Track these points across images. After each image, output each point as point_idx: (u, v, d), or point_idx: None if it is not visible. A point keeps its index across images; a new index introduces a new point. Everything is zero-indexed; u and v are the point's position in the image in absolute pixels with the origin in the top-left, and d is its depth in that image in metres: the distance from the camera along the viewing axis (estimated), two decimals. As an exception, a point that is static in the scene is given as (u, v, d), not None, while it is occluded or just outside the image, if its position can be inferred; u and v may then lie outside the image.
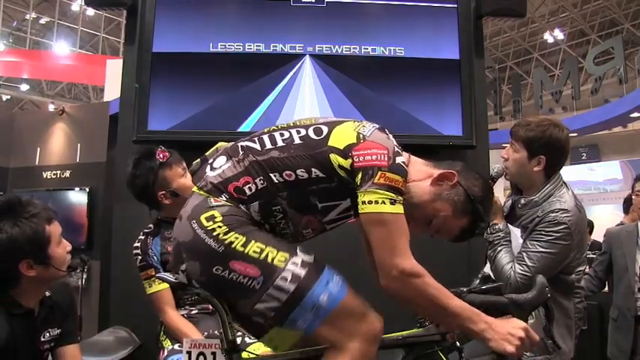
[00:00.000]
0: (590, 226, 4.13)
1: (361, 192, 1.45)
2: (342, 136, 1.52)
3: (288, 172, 1.50)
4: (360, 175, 1.46)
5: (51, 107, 4.98)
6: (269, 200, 1.50)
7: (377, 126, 1.56)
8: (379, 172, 1.44)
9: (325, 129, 1.55)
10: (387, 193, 1.43)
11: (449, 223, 1.59)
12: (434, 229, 1.60)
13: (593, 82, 13.67)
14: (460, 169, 1.61)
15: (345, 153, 1.49)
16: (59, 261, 1.77)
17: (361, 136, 1.50)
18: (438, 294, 1.45)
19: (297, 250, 1.46)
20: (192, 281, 1.50)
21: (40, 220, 1.73)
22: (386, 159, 1.46)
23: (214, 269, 1.43)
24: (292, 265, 1.42)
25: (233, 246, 1.42)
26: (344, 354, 1.41)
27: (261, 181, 1.49)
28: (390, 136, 1.55)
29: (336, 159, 1.49)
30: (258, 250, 1.42)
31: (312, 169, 1.50)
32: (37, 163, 4.89)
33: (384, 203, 1.43)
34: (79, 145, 4.73)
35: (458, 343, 1.61)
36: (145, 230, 2.34)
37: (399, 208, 1.45)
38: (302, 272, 1.41)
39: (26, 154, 4.90)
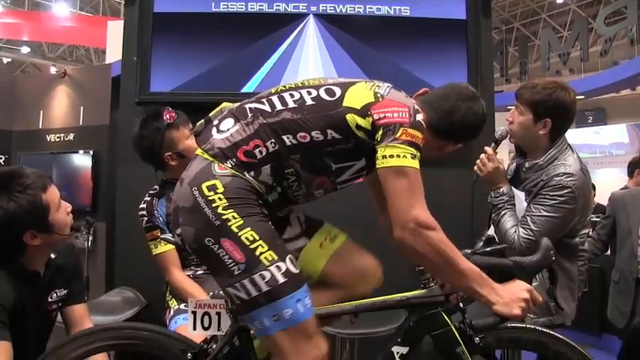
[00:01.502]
0: (593, 188, 4.12)
1: (382, 146, 1.45)
2: (357, 97, 1.51)
3: (302, 133, 1.48)
4: (380, 132, 1.46)
5: (52, 70, 4.93)
6: (281, 163, 1.49)
7: (391, 85, 1.56)
8: (401, 129, 1.45)
9: (338, 90, 1.53)
10: (409, 148, 1.44)
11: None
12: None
13: (602, 43, 13.41)
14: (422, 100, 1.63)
15: (363, 112, 1.48)
16: (61, 225, 1.76)
17: (379, 95, 1.50)
18: (448, 251, 1.46)
19: (287, 258, 1.44)
20: (186, 246, 1.51)
21: (36, 190, 1.69)
22: (407, 116, 1.47)
23: (206, 240, 1.43)
24: (275, 268, 1.41)
25: (229, 224, 1.42)
26: None
27: (273, 144, 1.48)
28: (407, 95, 1.55)
29: (353, 119, 1.48)
30: (251, 238, 1.42)
31: (328, 130, 1.49)
32: (40, 126, 4.89)
33: (406, 157, 1.44)
34: (81, 107, 4.72)
35: (461, 305, 1.62)
36: (151, 191, 2.35)
37: (417, 164, 1.46)
38: (281, 279, 1.41)
39: (29, 117, 4.88)
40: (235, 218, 1.42)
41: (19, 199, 1.65)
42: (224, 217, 1.42)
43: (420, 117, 1.50)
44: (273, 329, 1.41)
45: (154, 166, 2.36)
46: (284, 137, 1.48)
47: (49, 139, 4.83)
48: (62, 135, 4.83)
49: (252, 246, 1.41)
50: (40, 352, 1.63)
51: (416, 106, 1.53)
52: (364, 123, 1.48)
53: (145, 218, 2.27)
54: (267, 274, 1.39)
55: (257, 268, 1.40)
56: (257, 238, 1.42)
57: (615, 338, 4.00)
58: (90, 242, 3.74)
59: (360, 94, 1.51)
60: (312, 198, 1.59)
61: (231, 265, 1.41)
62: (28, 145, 4.83)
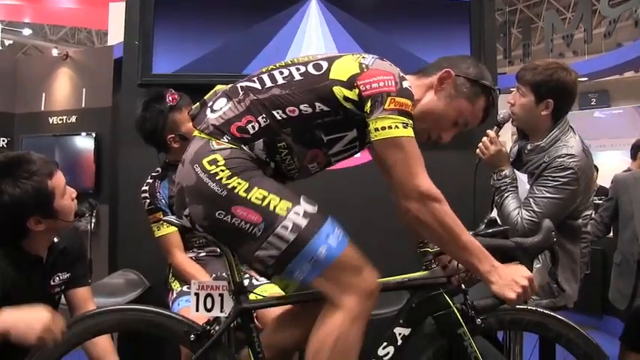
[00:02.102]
0: (596, 170, 4.11)
1: (372, 119, 1.44)
2: (343, 69, 1.51)
3: (291, 108, 1.49)
4: (369, 104, 1.45)
5: (54, 52, 4.88)
6: (273, 137, 1.49)
7: (377, 56, 1.55)
8: (389, 98, 1.43)
9: (325, 63, 1.53)
10: (399, 117, 1.43)
11: (472, 112, 1.62)
12: (461, 125, 1.63)
13: (606, 25, 13.27)
14: (448, 64, 1.62)
15: (349, 84, 1.48)
16: (66, 211, 1.76)
17: (363, 65, 1.50)
18: (453, 223, 1.46)
19: (301, 200, 1.45)
20: (196, 225, 1.51)
21: (42, 177, 1.68)
22: (393, 84, 1.46)
23: (217, 213, 1.43)
24: (294, 214, 1.41)
25: (236, 191, 1.42)
26: (340, 310, 1.43)
27: (264, 119, 1.48)
28: (392, 64, 1.54)
29: (340, 91, 1.48)
30: (261, 197, 1.42)
31: (316, 103, 1.49)
32: (42, 108, 4.88)
33: (397, 127, 1.43)
34: (83, 90, 4.71)
35: (463, 286, 1.63)
36: (153, 174, 2.35)
37: (411, 132, 1.45)
38: (303, 223, 1.41)
39: (31, 99, 4.88)
40: (240, 183, 1.42)
41: (24, 184, 1.65)
42: (229, 186, 1.42)
43: (406, 84, 1.49)
44: (315, 273, 1.41)
45: (157, 148, 2.36)
46: (274, 112, 1.49)
47: (51, 122, 4.83)
48: (64, 117, 4.83)
49: (264, 203, 1.41)
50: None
51: (401, 74, 1.51)
52: (351, 95, 1.48)
53: (148, 200, 2.27)
54: (289, 223, 1.40)
55: (277, 222, 1.40)
56: (266, 194, 1.42)
57: (616, 320, 4.02)
58: (93, 225, 3.75)
59: (345, 65, 1.51)
60: (307, 172, 1.59)
61: (251, 229, 1.41)
62: (31, 127, 4.83)
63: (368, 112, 1.45)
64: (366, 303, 1.45)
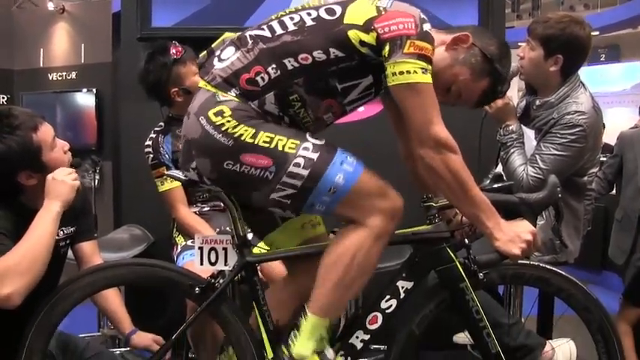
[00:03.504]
0: (603, 127, 4.07)
1: (391, 63, 1.40)
2: (359, 12, 1.45)
3: (303, 55, 1.45)
4: (387, 47, 1.40)
5: (50, 6, 4.75)
6: (284, 90, 1.46)
7: None
8: (408, 41, 1.39)
9: (338, 8, 1.48)
10: (419, 62, 1.39)
11: (469, 87, 1.56)
12: (454, 96, 1.57)
13: (620, -25, 12.92)
14: (473, 31, 1.56)
15: (366, 27, 1.43)
16: (57, 164, 1.71)
17: (381, 8, 1.45)
18: (466, 176, 1.45)
19: (307, 136, 1.44)
20: (204, 178, 1.50)
21: (26, 130, 1.63)
22: (414, 27, 1.41)
23: (225, 164, 1.42)
24: (303, 150, 1.40)
25: (242, 138, 1.40)
26: (363, 228, 1.43)
27: (274, 70, 1.45)
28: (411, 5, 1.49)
29: (356, 35, 1.44)
30: (268, 139, 1.40)
31: (330, 49, 1.44)
32: (41, 64, 4.83)
33: (417, 73, 1.39)
34: (82, 45, 4.65)
35: (466, 241, 1.63)
36: (156, 128, 2.33)
37: (430, 78, 1.42)
38: (314, 156, 1.40)
39: (29, 55, 4.82)
40: (247, 131, 1.41)
41: (7, 140, 1.60)
42: (236, 134, 1.41)
43: (427, 27, 1.44)
44: (336, 202, 1.41)
45: (160, 101, 2.33)
46: (285, 61, 1.44)
47: (50, 78, 4.78)
48: (64, 73, 4.78)
49: (272, 145, 1.40)
50: (52, 288, 1.66)
51: (422, 15, 1.46)
52: (368, 38, 1.43)
53: (151, 155, 2.26)
54: (300, 160, 1.39)
55: (288, 161, 1.39)
56: (273, 135, 1.41)
57: (615, 276, 4.07)
58: (96, 181, 3.76)
59: (361, 9, 1.46)
60: (322, 124, 1.56)
61: (262, 174, 1.40)
62: (30, 84, 4.79)
63: (386, 55, 1.41)
64: (390, 222, 1.45)
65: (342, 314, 1.59)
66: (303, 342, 1.49)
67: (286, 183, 1.40)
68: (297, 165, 1.39)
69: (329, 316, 1.50)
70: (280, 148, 1.40)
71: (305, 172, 1.39)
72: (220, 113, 1.42)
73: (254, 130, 1.41)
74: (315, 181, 1.39)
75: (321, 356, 1.50)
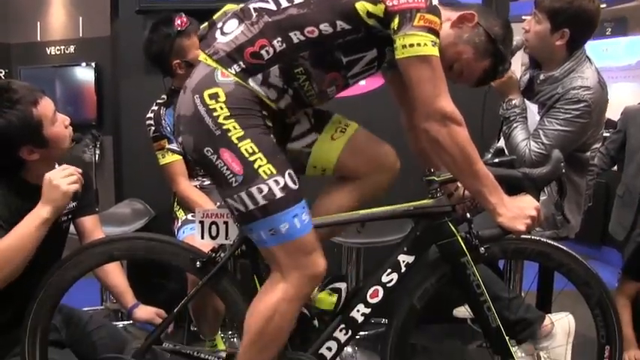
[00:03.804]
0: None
1: (400, 36, 1.38)
2: None
3: (310, 28, 1.42)
4: (397, 20, 1.39)
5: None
6: (289, 63, 1.44)
7: None
8: (418, 14, 1.37)
9: None
10: (428, 35, 1.38)
11: (470, 66, 1.55)
12: (455, 74, 1.56)
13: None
14: (478, 10, 1.55)
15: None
16: (58, 139, 1.71)
17: None
18: (471, 150, 1.45)
19: (286, 173, 1.42)
20: (187, 155, 1.50)
21: (26, 105, 1.61)
22: (423, 0, 1.39)
23: (205, 150, 1.42)
24: (273, 182, 1.39)
25: (229, 134, 1.39)
26: (283, 284, 1.45)
27: (280, 43, 1.43)
28: None
29: (363, 7, 1.41)
30: (250, 151, 1.40)
31: (337, 21, 1.42)
32: (38, 38, 4.77)
33: (427, 45, 1.38)
34: (80, 18, 4.58)
35: (468, 215, 1.63)
36: (159, 101, 2.32)
37: (438, 52, 1.41)
38: (278, 194, 1.39)
39: (26, 29, 4.76)
40: (236, 129, 1.40)
41: (7, 114, 1.59)
42: (224, 127, 1.40)
43: (435, 0, 1.43)
44: (270, 242, 1.42)
45: (162, 72, 2.31)
46: (291, 34, 1.42)
47: (49, 52, 4.73)
48: (62, 47, 4.72)
49: (251, 158, 1.39)
50: (55, 262, 1.67)
51: None
52: (376, 10, 1.41)
53: (152, 128, 2.25)
54: (265, 188, 1.39)
55: (255, 181, 1.39)
56: (256, 150, 1.40)
57: (614, 251, 4.08)
58: (97, 156, 3.74)
59: None
60: (325, 97, 1.55)
61: (230, 176, 1.40)
62: (28, 58, 4.74)
63: (395, 28, 1.39)
64: (308, 285, 1.47)
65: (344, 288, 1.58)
66: None
67: (242, 199, 1.40)
68: (260, 191, 1.39)
69: None
70: (256, 166, 1.39)
71: (261, 202, 1.39)
72: (215, 96, 1.40)
73: (242, 133, 1.40)
74: (263, 214, 1.40)
75: None
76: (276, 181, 1.39)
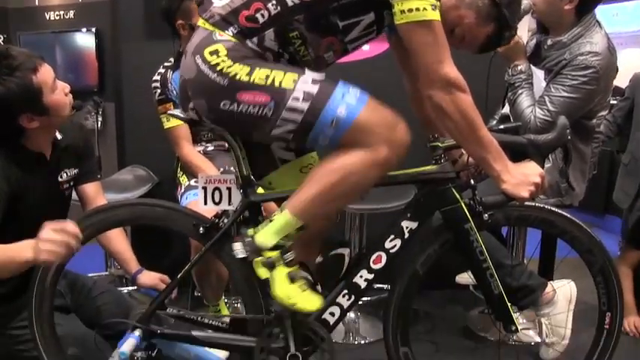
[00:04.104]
0: (616, 70, 3.96)
1: (398, 1, 1.35)
2: None
3: None
4: None
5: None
6: (284, 26, 1.41)
7: None
8: None
9: None
10: None
11: (473, 31, 1.51)
12: (457, 39, 1.52)
13: None
14: None
15: None
16: (58, 107, 1.69)
17: None
18: (475, 116, 1.42)
19: (305, 70, 1.40)
20: (203, 118, 1.48)
21: (25, 72, 1.59)
22: None
23: (222, 104, 1.39)
24: (302, 83, 1.37)
25: (238, 77, 1.37)
26: (367, 150, 1.38)
27: (274, 6, 1.40)
28: None
29: None
30: (264, 76, 1.37)
31: None
32: (37, 3, 4.69)
33: (426, 10, 1.34)
34: (79, -19, 4.51)
35: (472, 182, 1.62)
36: (166, 64, 2.30)
37: (439, 15, 1.37)
38: (314, 89, 1.36)
39: (24, -7, 4.68)
40: (242, 68, 1.37)
41: (7, 82, 1.57)
42: (231, 73, 1.37)
43: None
44: (340, 133, 1.37)
45: (170, 28, 2.30)
46: None
47: (48, 17, 4.66)
48: (62, 12, 4.65)
49: (269, 82, 1.37)
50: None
51: None
52: None
53: (158, 90, 2.24)
54: (299, 94, 1.36)
55: (287, 96, 1.36)
56: (269, 72, 1.37)
57: (617, 219, 4.08)
58: (99, 123, 3.73)
59: None
60: (322, 63, 1.52)
61: (260, 111, 1.37)
62: (27, 23, 4.67)
63: None
64: (394, 154, 1.40)
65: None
66: (268, 234, 1.46)
67: (286, 118, 1.37)
68: (296, 99, 1.36)
69: (303, 219, 1.45)
70: (277, 84, 1.36)
71: (305, 106, 1.36)
72: (215, 52, 1.38)
73: (249, 69, 1.37)
74: (315, 115, 1.36)
75: (280, 254, 1.47)
76: (304, 82, 1.37)
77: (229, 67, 1.37)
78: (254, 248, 1.47)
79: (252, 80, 1.36)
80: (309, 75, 1.38)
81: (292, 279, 1.47)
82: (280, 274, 1.47)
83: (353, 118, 1.37)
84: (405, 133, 1.42)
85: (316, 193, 1.42)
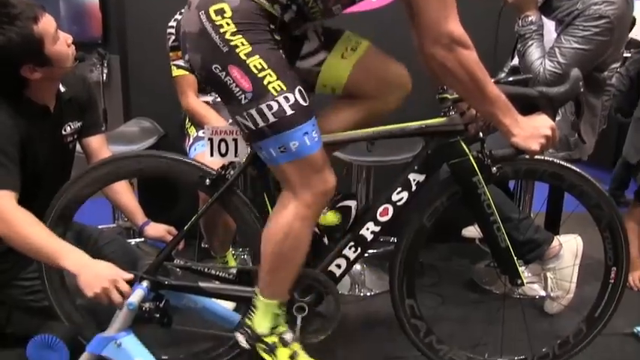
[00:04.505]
0: (633, 22, 3.84)
1: None
2: None
3: None
4: None
5: None
6: None
7: None
8: None
9: None
10: None
11: None
12: None
13: None
14: None
15: None
16: (60, 58, 1.67)
17: None
18: (480, 73, 1.39)
19: (296, 89, 1.38)
20: (195, 73, 1.47)
21: (25, 21, 1.56)
22: None
23: (213, 67, 1.38)
24: (283, 99, 1.35)
25: (237, 50, 1.35)
26: (294, 203, 1.44)
27: None
28: None
29: None
30: (260, 67, 1.35)
31: None
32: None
33: None
34: None
35: (481, 134, 1.60)
36: (182, 10, 2.26)
37: None
38: (288, 111, 1.36)
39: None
40: (244, 45, 1.35)
41: (7, 31, 1.54)
42: (232, 43, 1.35)
43: None
44: (280, 160, 1.41)
45: None
46: None
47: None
48: (63, -41, 4.56)
49: (260, 75, 1.35)
50: (63, 182, 1.67)
51: None
52: None
53: (173, 37, 2.21)
54: (275, 105, 1.36)
55: (264, 98, 1.36)
56: (265, 66, 1.36)
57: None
58: (104, 75, 3.70)
59: None
60: (329, 14, 1.49)
61: (239, 93, 1.37)
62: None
63: None
64: (319, 202, 1.46)
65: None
66: (260, 321, 1.56)
67: (252, 116, 1.37)
68: (270, 108, 1.35)
69: (275, 297, 1.54)
70: (265, 82, 1.35)
71: (271, 119, 1.36)
72: (221, 12, 1.35)
73: (250, 49, 1.35)
74: (274, 132, 1.37)
75: (280, 336, 1.56)
76: (286, 98, 1.36)
77: (233, 34, 1.34)
78: (255, 336, 1.57)
79: (247, 62, 1.35)
80: (295, 95, 1.37)
81: (293, 358, 1.56)
82: (282, 356, 1.56)
83: (298, 156, 1.39)
84: (332, 182, 1.45)
85: (270, 269, 1.51)
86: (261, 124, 1.37)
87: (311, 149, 1.40)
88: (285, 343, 1.56)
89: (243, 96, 1.37)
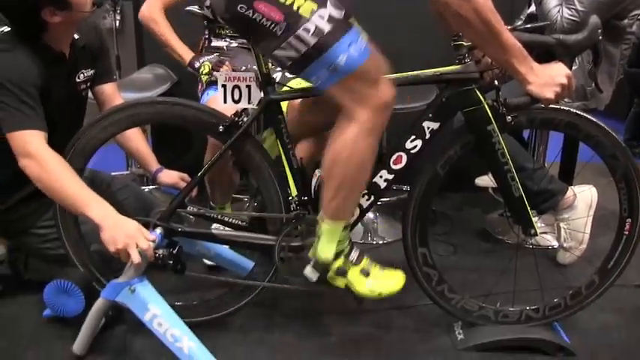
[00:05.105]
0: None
1: None
2: None
3: None
4: None
5: None
6: None
7: None
8: None
9: None
10: None
11: None
12: None
13: None
14: None
15: None
16: (80, 2, 1.66)
17: None
18: (494, 21, 1.36)
19: (328, 3, 1.34)
20: (217, 17, 1.44)
21: None
22: None
23: (239, 7, 1.35)
24: (318, 17, 1.32)
25: None
26: (354, 123, 1.40)
27: None
28: None
29: None
30: None
31: None
32: None
33: None
34: None
35: (496, 82, 1.57)
36: None
37: None
38: (326, 28, 1.32)
39: None
40: None
41: None
42: None
43: None
44: (332, 80, 1.37)
45: None
46: None
47: None
48: None
49: (288, 2, 1.32)
50: (76, 129, 1.68)
51: None
52: None
53: None
54: (311, 26, 1.33)
55: (299, 23, 1.33)
56: None
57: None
58: (117, 22, 3.66)
59: None
60: None
61: (272, 26, 1.34)
62: None
63: None
64: (379, 117, 1.41)
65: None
66: (324, 247, 1.54)
67: (291, 44, 1.34)
68: (307, 30, 1.32)
69: (340, 219, 1.52)
70: (295, 7, 1.32)
71: (312, 40, 1.32)
72: None
73: None
74: (318, 53, 1.33)
75: (345, 258, 1.56)
76: (321, 16, 1.33)
77: None
78: (322, 266, 1.56)
79: None
80: (328, 10, 1.33)
81: (367, 274, 1.58)
82: (354, 275, 1.58)
83: (349, 70, 1.35)
84: (390, 94, 1.41)
85: (336, 190, 1.47)
86: (304, 49, 1.34)
87: (361, 58, 1.36)
88: (354, 262, 1.58)
89: (276, 28, 1.34)
